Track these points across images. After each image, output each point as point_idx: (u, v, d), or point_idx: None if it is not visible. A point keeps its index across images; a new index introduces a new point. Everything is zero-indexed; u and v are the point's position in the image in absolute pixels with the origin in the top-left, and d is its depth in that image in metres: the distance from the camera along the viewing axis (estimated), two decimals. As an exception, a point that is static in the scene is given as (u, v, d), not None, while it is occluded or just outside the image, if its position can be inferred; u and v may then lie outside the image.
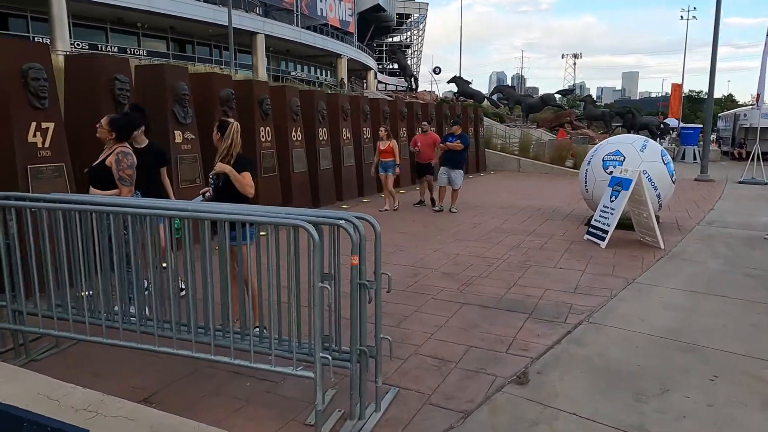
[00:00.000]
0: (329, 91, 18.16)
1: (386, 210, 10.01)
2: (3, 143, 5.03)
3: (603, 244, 7.41)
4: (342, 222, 2.96)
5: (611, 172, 8.24)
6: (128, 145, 4.46)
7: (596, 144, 11.22)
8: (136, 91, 7.18)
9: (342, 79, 47.89)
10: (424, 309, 4.95)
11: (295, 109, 9.92)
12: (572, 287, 5.63)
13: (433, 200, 10.68)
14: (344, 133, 11.83)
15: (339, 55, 50.35)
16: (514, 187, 15.09)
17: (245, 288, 3.68)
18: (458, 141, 9.84)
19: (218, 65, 37.41)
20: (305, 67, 53.67)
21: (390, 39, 74.96)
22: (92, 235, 3.46)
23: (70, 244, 3.50)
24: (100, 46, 34.89)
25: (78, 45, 32.26)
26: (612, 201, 7.66)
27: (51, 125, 5.34)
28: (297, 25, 44.77)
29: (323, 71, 56.34)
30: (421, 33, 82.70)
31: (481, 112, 20.19)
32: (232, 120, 4.22)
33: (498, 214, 10.17)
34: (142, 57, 35.64)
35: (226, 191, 4.03)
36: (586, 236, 7.93)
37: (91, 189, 4.39)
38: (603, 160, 8.73)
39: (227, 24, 29.99)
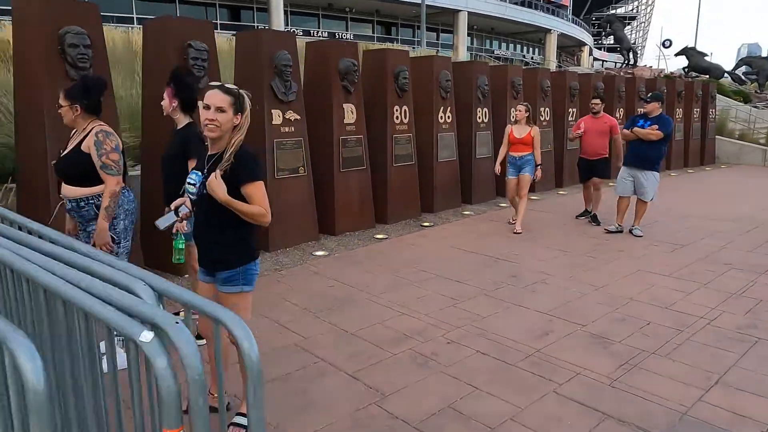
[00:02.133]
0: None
1: (513, 225, 7.05)
2: (34, 122, 4.28)
3: None
4: (140, 337, 1.19)
5: None
6: (105, 124, 3.32)
7: None
8: (238, 62, 6.19)
9: (560, 54, 43.68)
10: (530, 415, 2.88)
11: (444, 84, 8.11)
12: (844, 407, 2.97)
13: (594, 216, 7.46)
14: (512, 114, 9.62)
15: (548, 31, 46.25)
16: (753, 189, 11.12)
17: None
18: (654, 126, 6.38)
19: (421, 46, 37.05)
20: (510, 45, 50.62)
21: (613, 11, 66.94)
22: None
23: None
24: (312, 31, 36.94)
25: (292, 31, 34.35)
26: None
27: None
28: (504, 0, 41.95)
29: (530, 49, 52.57)
30: (650, 3, 72.39)
31: (713, 89, 15.77)
32: (243, 92, 2.51)
33: (717, 231, 7.09)
34: (349, 41, 36.84)
35: (217, 204, 2.42)
36: None
37: (64, 186, 3.31)
38: None
39: (429, 2, 28.99)
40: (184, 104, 3.66)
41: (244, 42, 6.10)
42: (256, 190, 2.47)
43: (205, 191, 2.42)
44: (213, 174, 2.38)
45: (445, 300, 4.54)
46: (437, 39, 43.72)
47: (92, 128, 3.30)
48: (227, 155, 2.42)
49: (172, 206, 2.67)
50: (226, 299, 2.57)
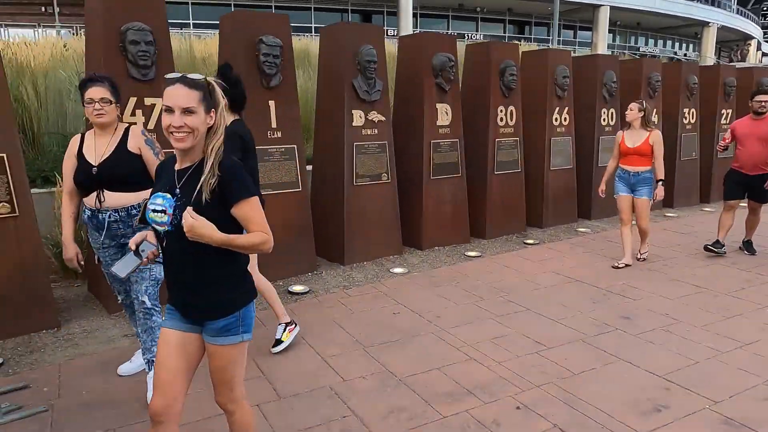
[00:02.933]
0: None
1: (623, 265, 5.35)
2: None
3: None
4: None
5: None
6: None
7: None
8: (322, 58, 5.76)
9: (721, 50, 38.85)
10: None
11: (561, 81, 7.06)
12: None
13: (748, 243, 5.91)
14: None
15: (706, 24, 41.26)
16: None
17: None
18: None
19: (553, 44, 34.95)
20: (659, 41, 45.98)
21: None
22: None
23: None
24: (441, 33, 36.45)
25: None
26: None
27: (159, 101, 4.24)
28: (653, -9, 38.18)
29: (683, 44, 47.35)
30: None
31: None
32: (212, 80, 1.90)
33: None
34: (478, 41, 35.98)
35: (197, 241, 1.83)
36: None
37: (111, 195, 2.93)
38: None
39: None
40: (233, 103, 3.35)
41: (327, 36, 5.64)
42: (254, 209, 1.89)
43: (171, 222, 1.83)
44: (186, 213, 1.76)
45: (528, 344, 3.66)
46: (574, 37, 41.04)
47: (125, 128, 3.02)
48: (209, 168, 1.81)
49: (131, 245, 2.03)
50: (221, 354, 1.97)
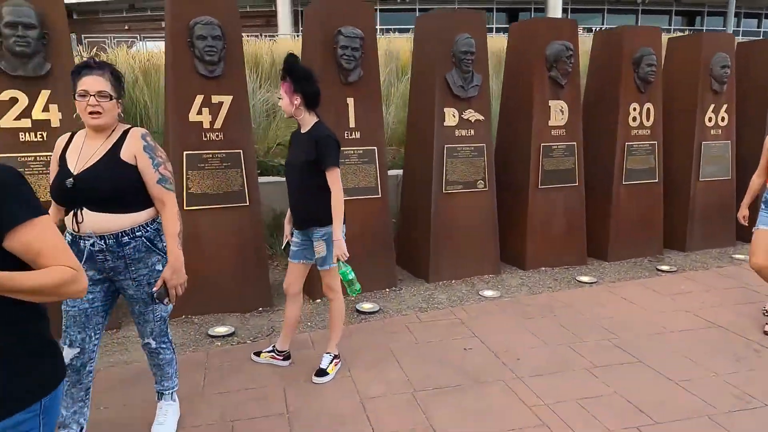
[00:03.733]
0: None
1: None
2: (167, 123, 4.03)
3: None
4: None
5: None
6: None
7: None
8: (415, 51, 5.22)
9: None
10: None
11: (719, 72, 5.71)
12: None
13: None
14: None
15: None
16: None
17: None
18: None
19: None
20: None
21: None
22: None
23: None
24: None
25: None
26: None
27: (227, 99, 4.02)
28: None
29: None
30: None
31: None
32: None
33: None
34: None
35: None
36: None
37: (94, 216, 2.19)
38: None
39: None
40: (308, 99, 2.95)
41: (420, 26, 5.07)
42: (45, 233, 1.26)
43: None
44: None
45: (628, 412, 2.77)
46: (758, 26, 35.58)
47: (124, 130, 2.31)
48: None
49: None
50: None
